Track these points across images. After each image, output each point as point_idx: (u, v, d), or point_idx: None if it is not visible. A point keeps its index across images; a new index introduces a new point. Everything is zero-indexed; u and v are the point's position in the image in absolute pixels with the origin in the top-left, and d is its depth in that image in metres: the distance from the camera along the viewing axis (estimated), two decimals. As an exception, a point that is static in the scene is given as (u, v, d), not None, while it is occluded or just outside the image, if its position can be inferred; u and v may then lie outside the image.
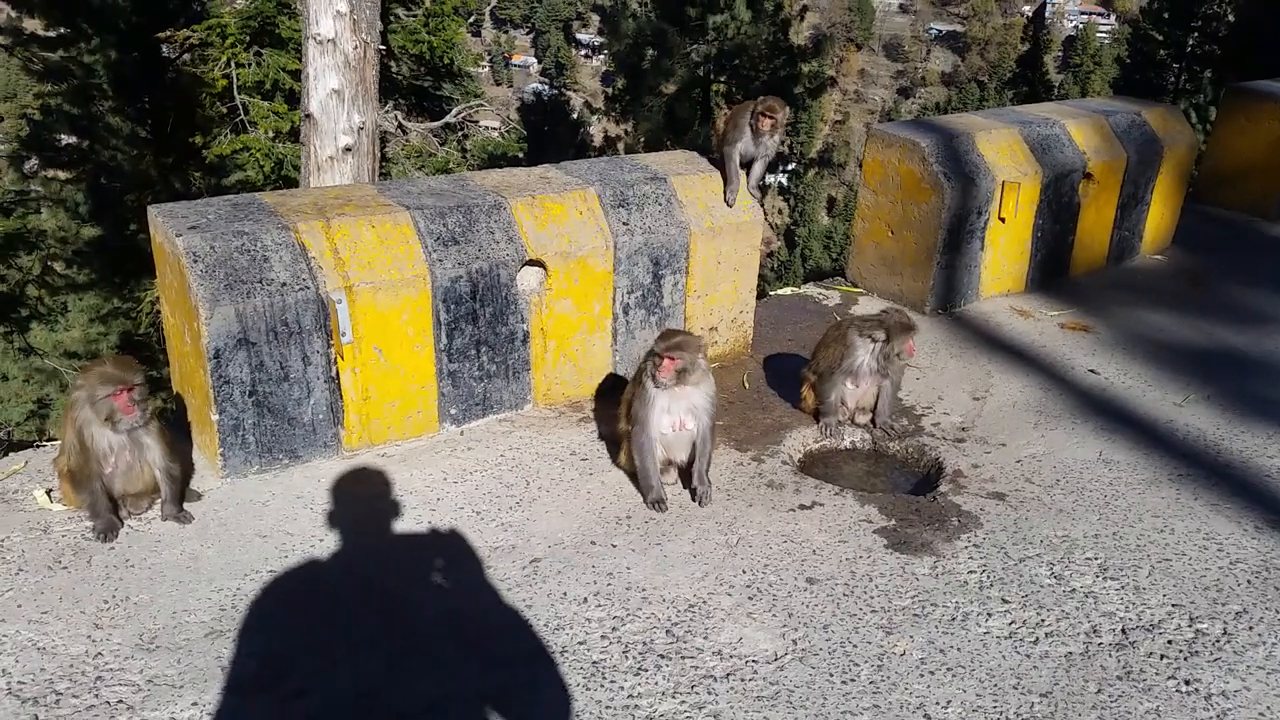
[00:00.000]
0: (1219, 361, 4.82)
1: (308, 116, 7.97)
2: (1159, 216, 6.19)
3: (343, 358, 3.51)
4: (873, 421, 4.10)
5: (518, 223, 3.87)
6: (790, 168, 28.73)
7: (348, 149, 8.13)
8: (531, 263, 3.88)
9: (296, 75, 9.64)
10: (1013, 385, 4.50)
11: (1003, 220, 5.25)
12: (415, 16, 13.00)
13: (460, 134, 13.78)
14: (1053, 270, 5.69)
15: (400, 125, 11.50)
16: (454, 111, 11.56)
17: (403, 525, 3.32)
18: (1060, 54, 73.45)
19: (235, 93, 12.09)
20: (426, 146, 12.57)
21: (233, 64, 12.10)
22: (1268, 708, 2.67)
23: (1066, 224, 5.63)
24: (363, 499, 3.44)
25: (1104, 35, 70.23)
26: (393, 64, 12.99)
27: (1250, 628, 2.98)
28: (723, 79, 22.37)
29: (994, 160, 5.22)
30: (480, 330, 3.81)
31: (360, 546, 3.20)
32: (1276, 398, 4.46)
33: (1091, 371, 4.65)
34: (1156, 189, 6.05)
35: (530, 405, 4.07)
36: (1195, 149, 6.42)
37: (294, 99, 11.32)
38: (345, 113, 7.98)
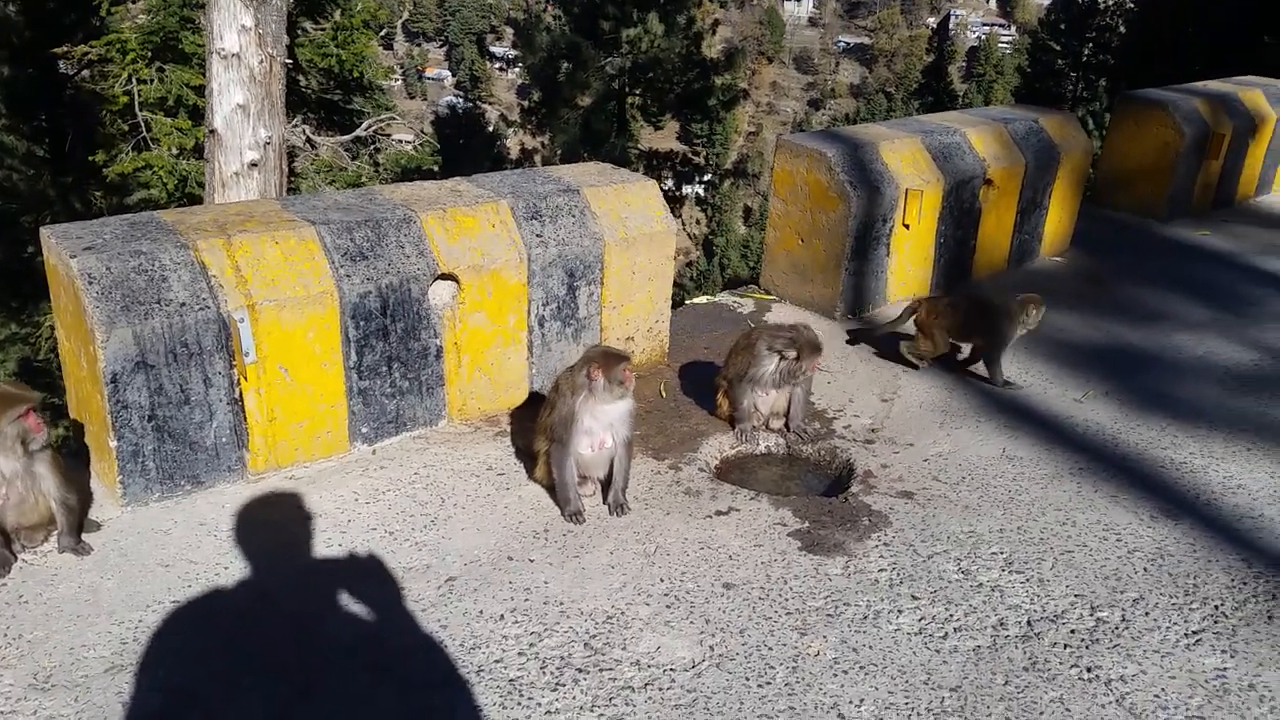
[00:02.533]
0: (1116, 358, 5.01)
1: (212, 132, 7.79)
2: (1057, 220, 6.42)
3: (246, 378, 3.42)
4: (786, 426, 4.15)
5: (429, 236, 3.83)
6: (706, 179, 29.03)
7: (254, 164, 7.97)
8: (444, 276, 3.84)
9: (201, 91, 9.40)
10: (919, 387, 4.61)
11: (907, 227, 5.38)
12: (323, 30, 12.79)
13: (372, 148, 13.60)
14: (956, 274, 5.85)
15: (309, 140, 11.29)
16: (364, 125, 11.40)
17: (312, 549, 3.24)
18: (964, 64, 75.75)
19: (137, 109, 11.73)
20: (337, 161, 12.37)
21: (134, 80, 11.75)
22: (1163, 689, 2.78)
23: (968, 229, 5.80)
24: (270, 524, 3.36)
25: (1005, 45, 72.65)
26: (301, 78, 12.76)
27: (1146, 613, 3.10)
28: (637, 91, 22.53)
29: (897, 169, 5.35)
30: (392, 346, 3.76)
31: (268, 572, 3.12)
32: (1171, 391, 4.65)
33: (995, 371, 4.79)
34: (1054, 193, 6.28)
35: (445, 421, 4.03)
36: (1090, 154, 6.68)
37: (198, 115, 11.03)
38: (251, 128, 7.82)
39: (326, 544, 3.26)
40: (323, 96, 13.62)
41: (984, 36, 78.50)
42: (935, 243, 5.64)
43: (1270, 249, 6.92)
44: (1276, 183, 8.49)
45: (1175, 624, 3.05)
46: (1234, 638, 3.00)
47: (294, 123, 11.50)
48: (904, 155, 5.46)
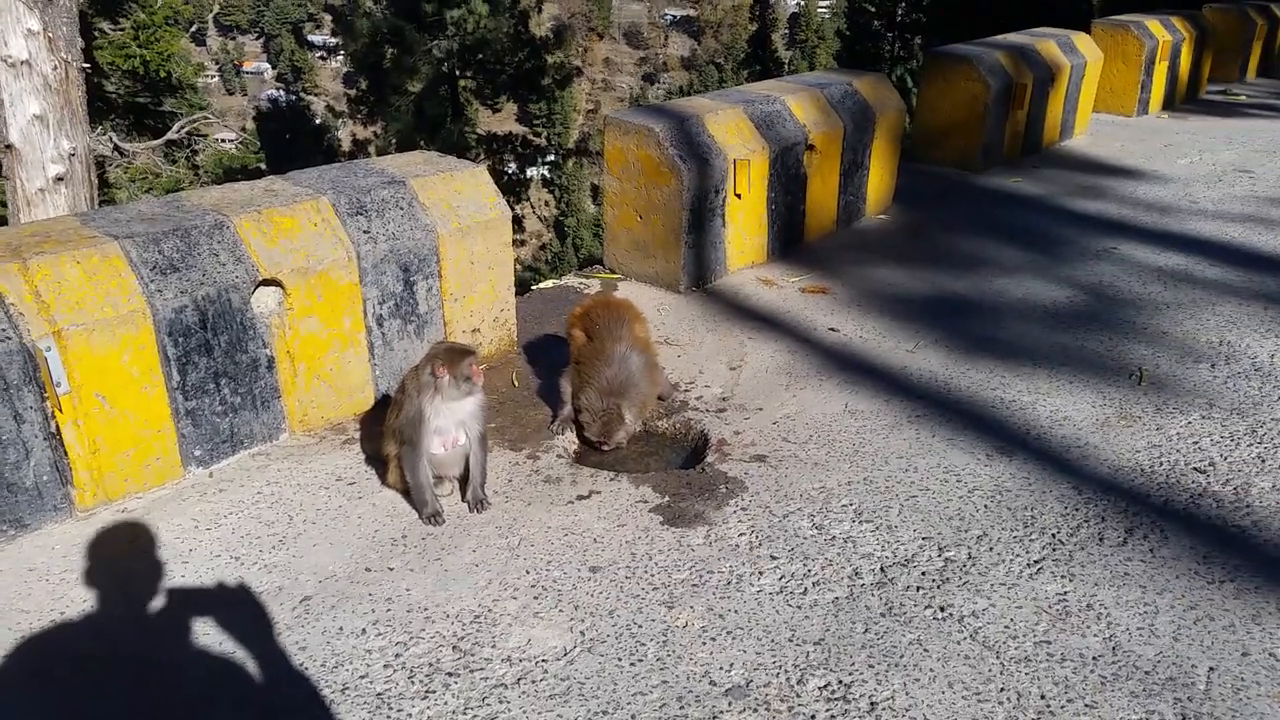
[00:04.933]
0: (943, 307, 5.26)
1: (9, 147, 7.22)
2: (878, 178, 6.67)
3: (61, 410, 3.18)
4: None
5: (245, 241, 3.64)
6: (550, 159, 28.84)
7: (59, 178, 7.45)
8: (266, 282, 3.66)
9: (-13, 102, 8.66)
10: (764, 352, 4.71)
11: (739, 196, 5.48)
12: (123, 30, 12.02)
13: (189, 150, 12.90)
14: (789, 239, 6.01)
15: (118, 147, 10.61)
16: (176, 127, 10.79)
17: (153, 584, 3.05)
18: (787, 31, 77.71)
19: (-86, 126, 10.73)
20: (152, 168, 11.68)
21: (-93, 93, 10.72)
22: (1012, 620, 2.94)
23: (797, 194, 5.95)
24: (105, 561, 3.14)
25: (824, 10, 74.87)
26: (104, 82, 11.97)
27: (990, 549, 3.27)
28: (469, 74, 22.14)
29: (724, 140, 5.43)
30: (217, 361, 3.56)
31: (107, 614, 2.92)
32: (996, 335, 4.91)
33: (832, 330, 4.95)
34: (873, 153, 6.51)
35: (286, 434, 3.86)
36: (904, 113, 6.94)
37: (-12, 128, 10.18)
38: (52, 140, 7.30)
39: (169, 576, 3.08)
40: (130, 100, 12.82)
41: (803, 3, 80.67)
42: (767, 210, 5.76)
43: (1077, 191, 7.40)
44: (1076, 128, 9.07)
45: (1018, 556, 3.23)
46: (1071, 563, 3.20)
47: (100, 130, 10.78)
48: (729, 126, 5.54)
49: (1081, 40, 9.02)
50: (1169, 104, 10.46)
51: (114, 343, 3.27)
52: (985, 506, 3.50)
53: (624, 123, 5.38)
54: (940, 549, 3.26)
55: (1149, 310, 5.22)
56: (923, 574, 3.14)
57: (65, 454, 3.25)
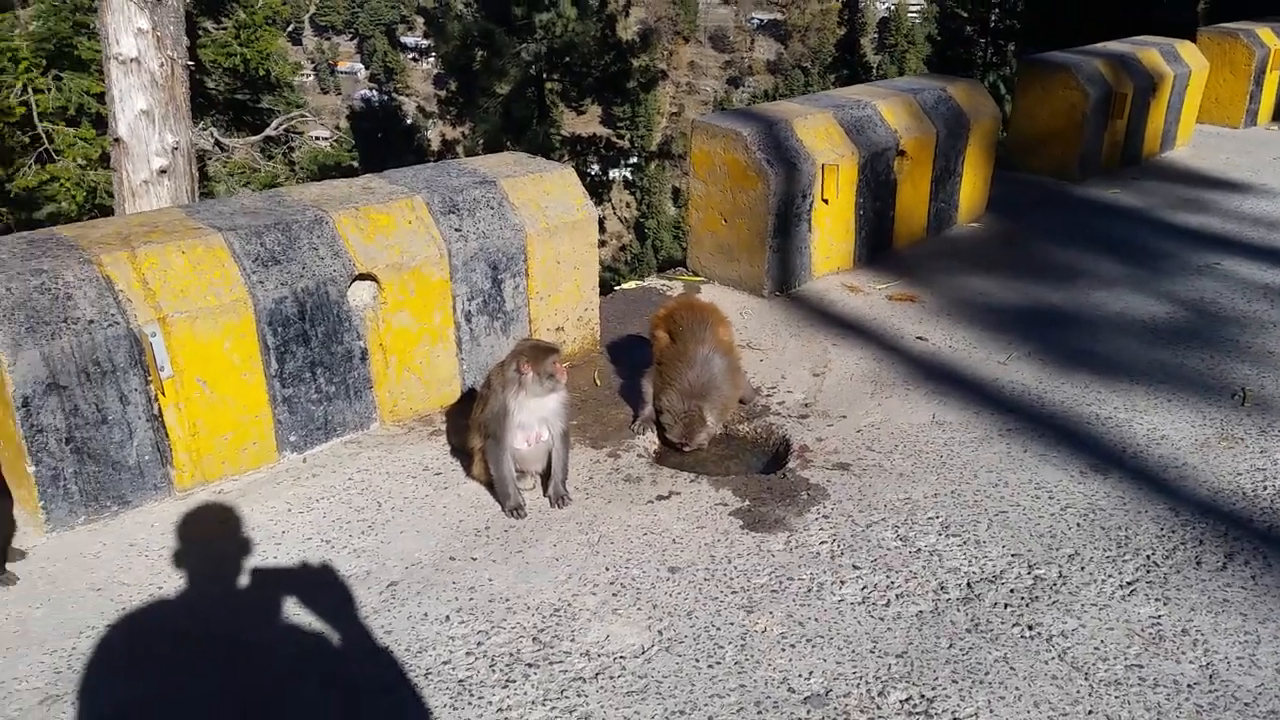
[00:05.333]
0: (1037, 318, 5.13)
1: (117, 141, 7.54)
2: (971, 186, 6.54)
3: (164, 394, 3.31)
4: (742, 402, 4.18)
5: (343, 236, 3.74)
6: (632, 161, 28.97)
7: (163, 171, 7.73)
8: (362, 277, 3.76)
9: (103, 98, 9.08)
10: (849, 359, 4.66)
11: (826, 201, 5.43)
12: (225, 29, 12.44)
13: (285, 147, 13.29)
14: (877, 245, 5.93)
15: (218, 142, 10.99)
16: (275, 124, 11.14)
17: (247, 563, 3.16)
18: (876, 35, 76.72)
19: (36, 120, 11.30)
20: (250, 163, 12.07)
21: (29, 90, 11.30)
22: (1102, 641, 2.86)
23: (886, 200, 5.87)
24: (202, 540, 3.26)
25: (915, 15, 73.71)
26: (206, 79, 12.41)
27: (1082, 568, 3.18)
28: (556, 77, 22.36)
29: (812, 144, 5.39)
30: (314, 351, 3.67)
31: (203, 591, 3.03)
32: (1092, 348, 4.78)
33: (920, 339, 4.87)
34: (967, 160, 6.38)
35: (376, 424, 3.95)
36: (999, 120, 6.80)
37: (102, 123, 10.66)
38: (157, 134, 7.59)
39: (261, 557, 3.18)
40: (230, 97, 13.28)
41: (894, 7, 79.55)
42: (855, 215, 5.70)
43: (1178, 204, 7.15)
44: (1179, 139, 8.76)
45: (1110, 576, 3.14)
46: (1166, 586, 3.10)
47: (202, 126, 11.19)
48: (818, 130, 5.50)
49: (1186, 49, 8.71)
50: (1279, 115, 10.03)
51: (216, 330, 3.39)
52: (1077, 525, 3.40)
53: (711, 126, 5.38)
54: (1030, 566, 3.18)
55: (1253, 328, 5.01)
56: (1011, 591, 3.06)
57: (166, 435, 3.38)
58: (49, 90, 11.38)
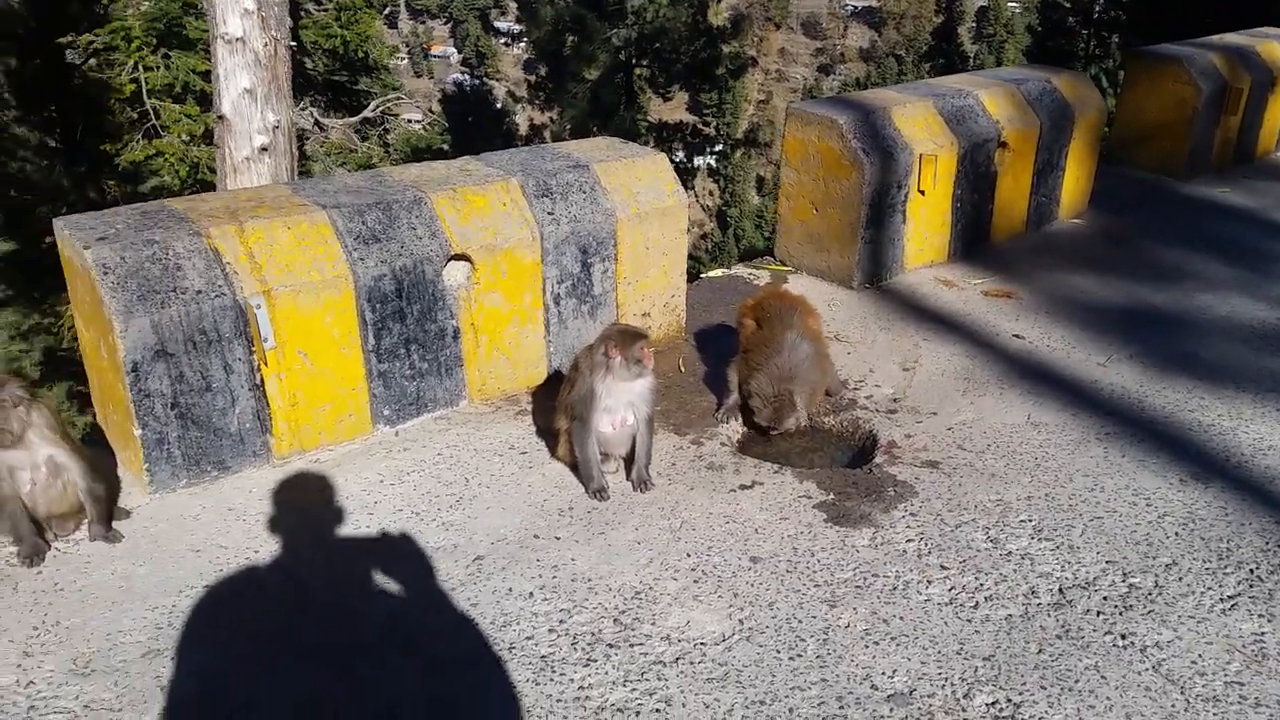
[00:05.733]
0: (1139, 319, 4.96)
1: (220, 118, 7.78)
2: (1074, 180, 6.34)
3: (266, 364, 3.42)
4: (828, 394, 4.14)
5: (440, 217, 3.80)
6: (718, 149, 28.82)
7: (264, 149, 7.95)
8: (457, 257, 3.82)
9: (207, 76, 9.38)
10: (941, 354, 4.57)
11: (922, 193, 5.32)
12: (326, 11, 12.73)
13: (381, 128, 13.56)
14: (974, 239, 5.79)
15: (317, 122, 11.26)
16: (372, 105, 11.36)
17: (340, 531, 3.25)
18: (974, 25, 74.74)
19: (144, 97, 11.73)
20: (346, 143, 12.34)
21: (140, 67, 11.73)
22: (1200, 655, 2.76)
23: (984, 193, 5.73)
24: (297, 507, 3.36)
25: (1015, 5, 71.62)
26: (306, 60, 12.72)
27: (1180, 579, 3.07)
28: (645, 62, 22.37)
29: (910, 134, 5.28)
30: (409, 328, 3.74)
31: (297, 555, 3.13)
32: (1195, 352, 4.60)
33: (1016, 336, 4.75)
34: (1070, 154, 6.19)
35: (465, 401, 4.02)
36: (1105, 113, 6.58)
37: (206, 101, 11.02)
38: (259, 112, 7.80)
39: (354, 526, 3.27)
40: (329, 78, 13.58)
41: (993, -4, 77.40)
42: (952, 208, 5.57)
43: (1293, 204, 6.83)
44: (1298, 137, 8.36)
45: (1210, 589, 3.02)
46: (1270, 601, 2.97)
47: (302, 105, 11.47)
48: (916, 120, 5.39)
49: (1311, 41, 8.30)
50: None
51: (318, 304, 3.48)
52: (1176, 534, 3.29)
53: (806, 113, 5.31)
54: (1125, 574, 3.08)
55: (1374, 338, 4.77)
56: (1104, 599, 2.98)
57: (267, 405, 3.49)
58: (158, 68, 11.79)
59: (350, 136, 12.58)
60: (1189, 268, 5.63)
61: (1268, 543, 3.24)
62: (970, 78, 6.33)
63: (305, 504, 3.38)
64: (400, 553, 3.14)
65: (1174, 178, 7.25)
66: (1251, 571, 3.10)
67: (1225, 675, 2.69)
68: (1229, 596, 2.99)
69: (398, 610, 2.90)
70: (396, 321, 3.70)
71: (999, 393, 4.22)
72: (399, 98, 12.94)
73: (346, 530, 3.25)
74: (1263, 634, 2.84)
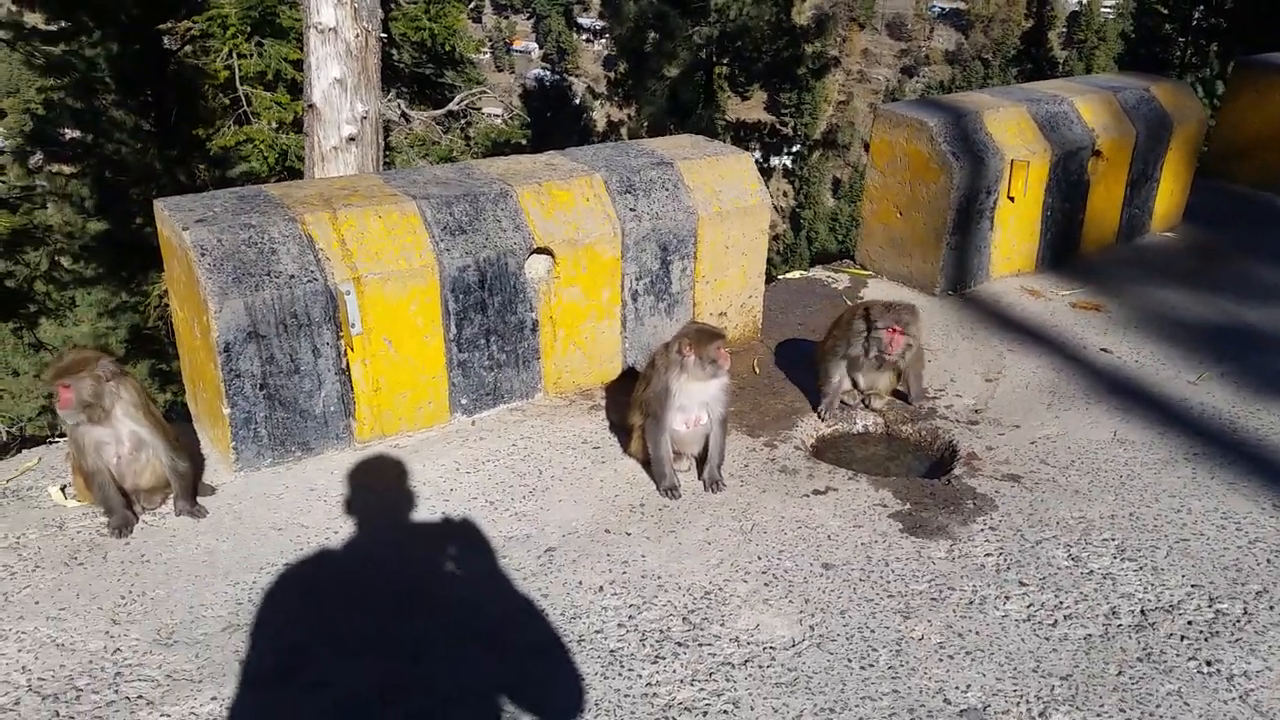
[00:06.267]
0: (1232, 338, 4.78)
1: (311, 106, 7.95)
2: (1169, 193, 6.14)
3: (352, 349, 3.50)
4: (906, 400, 4.10)
5: (524, 211, 3.85)
6: (795, 149, 28.59)
7: (351, 138, 8.11)
8: (539, 250, 3.86)
9: (298, 65, 9.61)
10: (1025, 366, 4.47)
11: (1012, 199, 5.20)
12: (416, 3, 12.93)
13: (464, 121, 13.73)
14: (1063, 249, 5.65)
15: (403, 114, 11.46)
16: (457, 99, 11.51)
17: (417, 516, 3.31)
18: (1064, 30, 72.91)
19: (237, 84, 12.06)
20: (430, 135, 12.53)
21: (234, 55, 12.06)
22: (1289, 687, 2.66)
23: (1076, 202, 5.59)
24: (376, 490, 3.43)
25: (1108, 10, 69.62)
26: (394, 52, 12.94)
27: (1271, 607, 2.96)
28: (725, 61, 22.28)
29: (1002, 139, 5.18)
30: (489, 319, 3.79)
31: (375, 538, 3.20)
32: (1291, 374, 4.43)
33: (1104, 351, 4.62)
34: (1166, 165, 6.00)
35: (541, 394, 4.06)
36: (1204, 124, 6.36)
37: (296, 89, 11.29)
38: (348, 102, 7.95)
39: (430, 511, 3.33)
40: (415, 70, 13.80)
41: (1085, 1, 75.41)
42: (1041, 216, 5.44)
43: (1403, 223, 6.51)
44: None
45: (1301, 619, 2.91)
46: (1365, 635, 2.85)
47: (389, 97, 11.68)
48: (1009, 125, 5.27)
49: None
50: None
51: (404, 293, 3.55)
52: (1268, 560, 3.17)
53: (894, 115, 5.24)
54: (1211, 599, 2.98)
55: None
56: (1189, 623, 2.88)
57: (351, 389, 3.57)
58: (251, 56, 12.11)
59: (434, 129, 12.77)
60: (1288, 286, 5.42)
61: (1367, 576, 3.10)
62: (1065, 83, 6.17)
63: (384, 487, 3.45)
64: (474, 540, 3.18)
65: (1275, 192, 6.97)
66: (1349, 605, 2.98)
67: (1318, 711, 2.58)
68: (1324, 630, 2.87)
69: (470, 597, 2.94)
70: (478, 312, 3.75)
71: (1084, 407, 4.11)
72: (483, 91, 13.11)
73: (423, 515, 3.31)
74: (1359, 671, 2.72)
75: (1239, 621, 2.90)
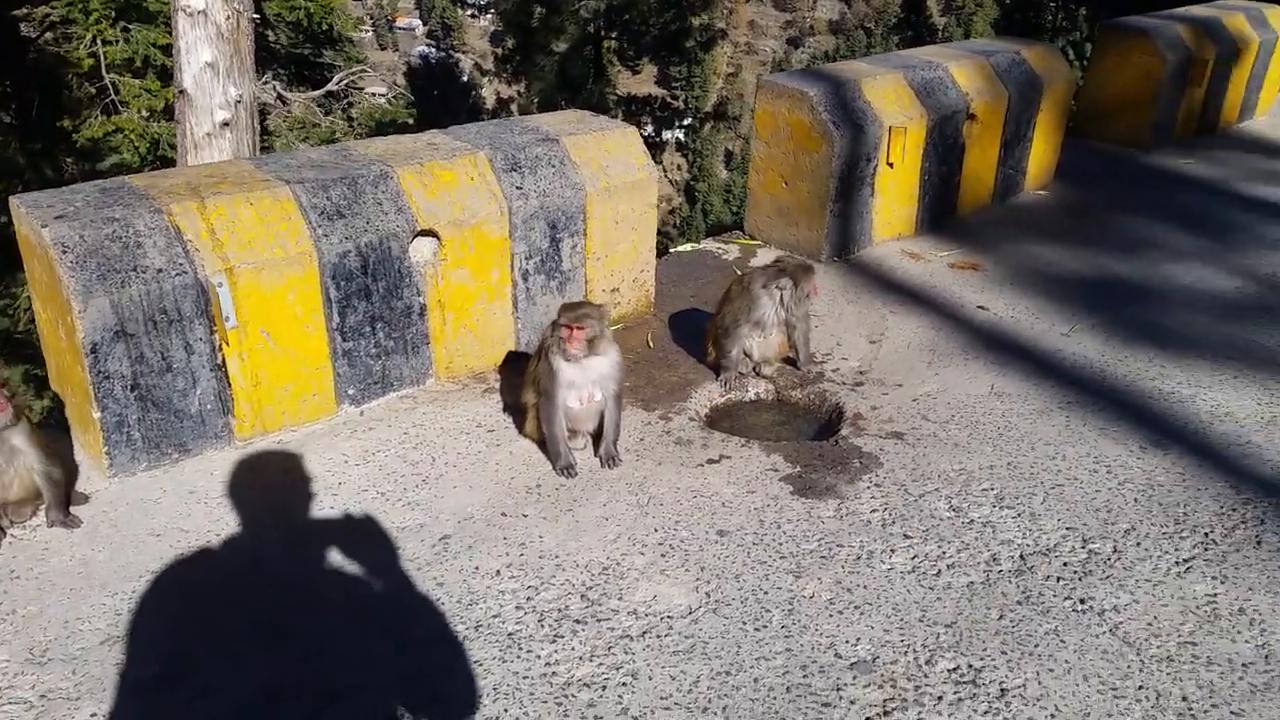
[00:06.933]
0: (1102, 290, 5.01)
1: (181, 92, 7.63)
2: (1041, 153, 6.37)
3: (228, 344, 3.38)
4: (795, 365, 4.18)
5: (406, 192, 3.77)
6: (686, 122, 28.69)
7: (225, 124, 7.82)
8: (423, 233, 3.78)
9: (168, 50, 9.20)
10: (907, 327, 4.60)
11: (891, 165, 5.33)
12: (290, -18, 12.50)
13: (345, 102, 13.37)
14: (941, 211, 5.82)
15: (280, 96, 11.09)
16: (336, 79, 11.19)
17: (304, 512, 3.23)
18: (944, -3, 74.62)
19: (103, 72, 11.50)
20: (310, 117, 12.16)
21: (99, 41, 11.48)
22: (1155, 617, 2.82)
23: (952, 165, 5.75)
24: (260, 489, 3.34)
25: (984, -24, 71.49)
26: (269, 33, 12.51)
27: (1138, 544, 3.12)
28: (613, 35, 22.19)
29: (880, 106, 5.28)
30: (374, 306, 3.71)
31: (260, 538, 3.11)
32: (1158, 321, 4.66)
33: (981, 308, 4.79)
34: (1037, 126, 6.22)
35: (432, 380, 4.00)
36: (1073, 85, 6.61)
37: (167, 75, 10.82)
38: (221, 86, 7.66)
39: (318, 507, 3.25)
40: (292, 51, 13.37)
41: (963, -33, 77.33)
42: (920, 180, 5.59)
43: (1255, 175, 6.90)
44: (1259, 108, 8.44)
45: (1166, 553, 3.08)
46: (1224, 564, 3.04)
47: (264, 79, 11.30)
48: (887, 92, 5.39)
49: (1275, 14, 8.36)
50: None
51: (281, 282, 3.44)
52: (1135, 500, 3.34)
53: (777, 86, 5.29)
54: (1084, 541, 3.14)
55: (1331, 306, 4.85)
56: (1064, 565, 3.03)
57: (229, 385, 3.46)
58: (117, 41, 11.56)
59: (313, 111, 12.40)
60: (1152, 238, 5.70)
61: (1222, 507, 3.30)
62: (941, 50, 6.33)
63: (268, 486, 3.36)
64: (365, 533, 3.13)
65: (1139, 149, 7.30)
66: (1206, 535, 3.16)
67: (1179, 636, 2.74)
68: (1184, 560, 3.05)
69: (362, 591, 2.89)
70: (361, 299, 3.67)
71: (963, 363, 4.26)
72: (363, 71, 12.77)
73: (310, 512, 3.23)
74: (1215, 596, 2.90)
75: (1109, 559, 3.05)
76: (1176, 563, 3.04)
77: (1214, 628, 2.78)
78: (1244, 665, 2.65)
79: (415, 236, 3.76)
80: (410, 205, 3.75)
